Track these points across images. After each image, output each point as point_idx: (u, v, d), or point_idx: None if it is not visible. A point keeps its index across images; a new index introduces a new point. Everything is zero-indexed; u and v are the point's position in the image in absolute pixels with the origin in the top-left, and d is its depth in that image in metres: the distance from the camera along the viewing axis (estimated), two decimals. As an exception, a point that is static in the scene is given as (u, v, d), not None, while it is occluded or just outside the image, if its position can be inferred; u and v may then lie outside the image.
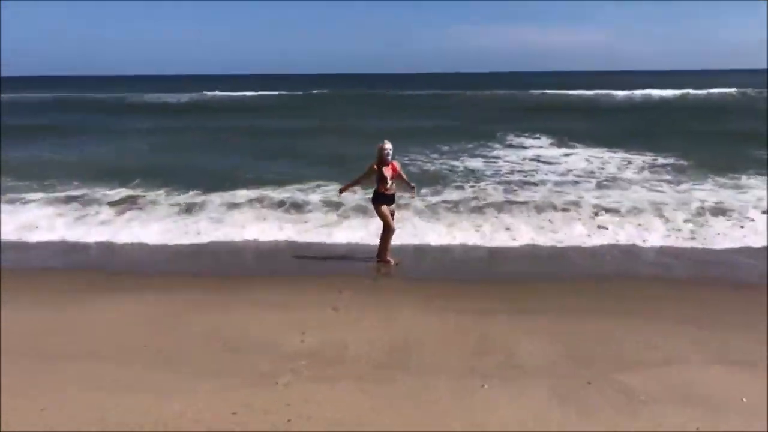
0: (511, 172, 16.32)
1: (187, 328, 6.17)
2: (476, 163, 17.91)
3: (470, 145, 21.74)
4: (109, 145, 22.99)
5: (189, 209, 11.91)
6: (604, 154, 19.16)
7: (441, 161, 18.36)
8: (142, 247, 9.90)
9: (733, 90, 51.76)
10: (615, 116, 33.95)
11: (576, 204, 11.94)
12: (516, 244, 9.65)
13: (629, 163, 17.34)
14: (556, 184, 14.37)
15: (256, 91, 64.88)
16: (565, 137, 23.18)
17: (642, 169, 16.41)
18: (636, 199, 12.32)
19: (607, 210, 11.43)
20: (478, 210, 11.56)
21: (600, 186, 14.12)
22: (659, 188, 13.67)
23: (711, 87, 54.34)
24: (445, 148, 21.08)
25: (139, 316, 6.58)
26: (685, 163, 16.79)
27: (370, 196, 8.83)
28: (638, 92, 52.90)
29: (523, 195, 13.00)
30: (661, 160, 17.47)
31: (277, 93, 62.34)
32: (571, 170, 16.39)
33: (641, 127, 27.79)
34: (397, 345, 5.65)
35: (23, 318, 6.52)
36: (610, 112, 36.75)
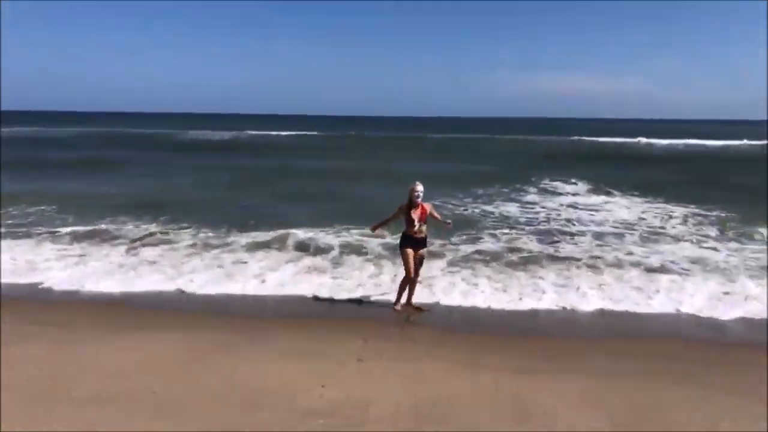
0: (547, 220, 15.73)
1: (202, 375, 5.79)
2: (511, 208, 17.40)
3: (505, 189, 21.33)
4: (152, 180, 23.47)
5: (208, 247, 11.83)
6: (644, 204, 18.45)
7: (474, 205, 17.94)
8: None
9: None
10: (654, 165, 33.18)
11: (619, 261, 11.09)
12: (556, 305, 8.66)
13: (671, 215, 16.52)
14: (597, 235, 13.60)
15: (296, 130, 66.62)
16: (602, 184, 22.67)
17: (685, 221, 15.59)
18: (687, 256, 11.48)
19: (655, 268, 10.52)
20: (515, 265, 10.73)
21: (644, 239, 13.22)
22: (706, 243, 12.79)
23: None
24: (479, 191, 20.75)
25: (154, 357, 6.24)
26: (729, 214, 15.98)
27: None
28: (678, 141, 52.00)
29: (563, 248, 12.15)
30: (703, 212, 16.66)
31: (316, 133, 63.77)
32: (610, 219, 15.70)
33: (681, 177, 26.92)
34: (426, 406, 5.13)
35: (33, 354, 6.25)
36: (650, 161, 35.98)
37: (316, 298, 8.91)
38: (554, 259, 11.17)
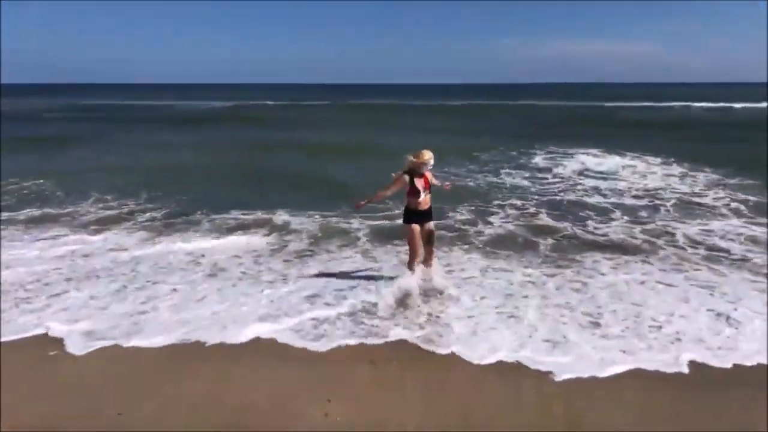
0: (563, 191, 14.41)
1: (179, 388, 4.81)
2: (521, 180, 16.04)
3: (513, 153, 20.18)
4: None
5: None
6: (661, 166, 17.43)
7: (481, 174, 16.73)
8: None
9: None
10: (663, 128, 31.90)
11: (675, 243, 9.39)
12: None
13: (693, 178, 15.35)
14: (626, 210, 12.01)
15: (286, 100, 64.72)
16: (612, 147, 21.67)
17: (710, 186, 14.37)
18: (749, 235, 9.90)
19: (719, 254, 8.76)
20: (554, 259, 8.68)
21: (684, 212, 11.71)
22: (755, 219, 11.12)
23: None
24: (485, 156, 19.71)
25: (121, 366, 5.18)
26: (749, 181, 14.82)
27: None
28: (677, 104, 50.73)
29: (599, 229, 10.33)
30: (722, 176, 15.58)
31: (310, 104, 61.70)
32: (632, 188, 14.43)
33: (690, 138, 25.86)
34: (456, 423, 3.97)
35: None
36: (659, 125, 34.60)
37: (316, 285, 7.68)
38: (601, 246, 9.30)
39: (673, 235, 9.91)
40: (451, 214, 11.44)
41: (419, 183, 6.96)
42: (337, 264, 8.45)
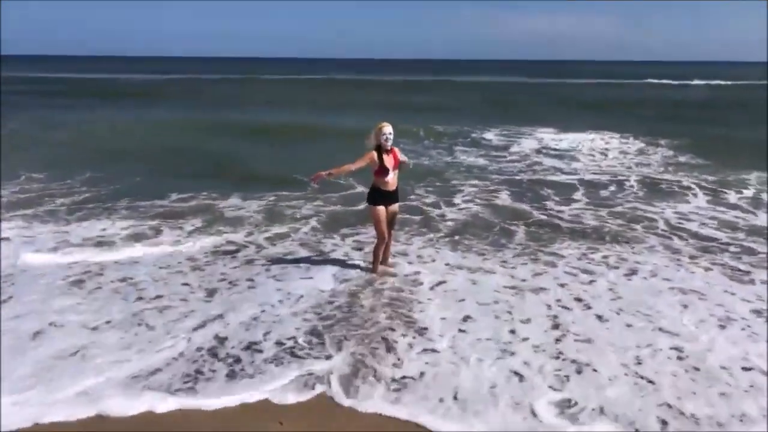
0: (522, 170, 13.67)
1: None
2: (477, 159, 15.24)
3: (467, 129, 19.24)
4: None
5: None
6: (618, 140, 17.25)
7: (436, 152, 15.89)
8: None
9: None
10: (620, 105, 31.58)
11: (655, 230, 8.60)
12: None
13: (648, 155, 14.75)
14: (590, 189, 11.37)
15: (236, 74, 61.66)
16: (566, 124, 21.12)
17: (665, 165, 13.93)
18: (717, 217, 9.35)
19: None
20: (526, 246, 7.85)
21: (649, 193, 11.11)
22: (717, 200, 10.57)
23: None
24: (439, 132, 18.94)
25: None
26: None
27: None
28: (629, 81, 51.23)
29: (562, 213, 9.57)
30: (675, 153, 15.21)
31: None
32: (591, 166, 13.74)
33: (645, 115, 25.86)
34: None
35: None
36: (611, 101, 34.26)
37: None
38: (579, 234, 8.44)
39: (651, 220, 9.17)
40: (412, 196, 10.53)
41: (388, 161, 6.40)
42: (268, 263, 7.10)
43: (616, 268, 6.95)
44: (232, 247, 7.69)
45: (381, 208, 6.50)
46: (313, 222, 8.85)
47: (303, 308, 5.72)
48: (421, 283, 6.43)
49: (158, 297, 6.00)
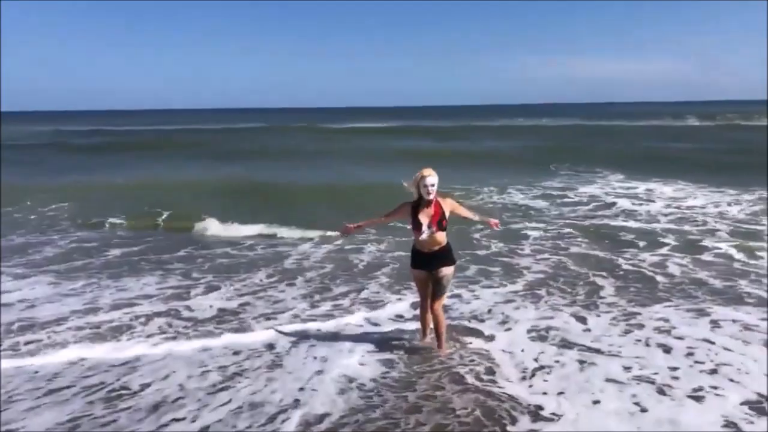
0: (590, 216, 12.52)
1: None
2: (539, 201, 14.21)
3: (529, 178, 17.97)
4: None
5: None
6: (697, 190, 15.24)
7: (489, 193, 14.96)
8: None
9: None
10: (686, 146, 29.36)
11: None
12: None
13: (736, 201, 13.23)
14: (679, 237, 10.10)
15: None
16: (632, 171, 19.34)
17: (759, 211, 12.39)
18: None
19: None
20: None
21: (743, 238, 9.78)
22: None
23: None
24: (503, 179, 17.56)
25: None
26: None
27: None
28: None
29: (652, 265, 8.37)
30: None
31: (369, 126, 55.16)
32: (669, 213, 12.43)
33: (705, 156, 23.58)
34: None
35: None
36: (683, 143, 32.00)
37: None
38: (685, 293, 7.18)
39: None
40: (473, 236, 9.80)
41: (424, 215, 5.19)
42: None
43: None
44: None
45: (417, 272, 5.42)
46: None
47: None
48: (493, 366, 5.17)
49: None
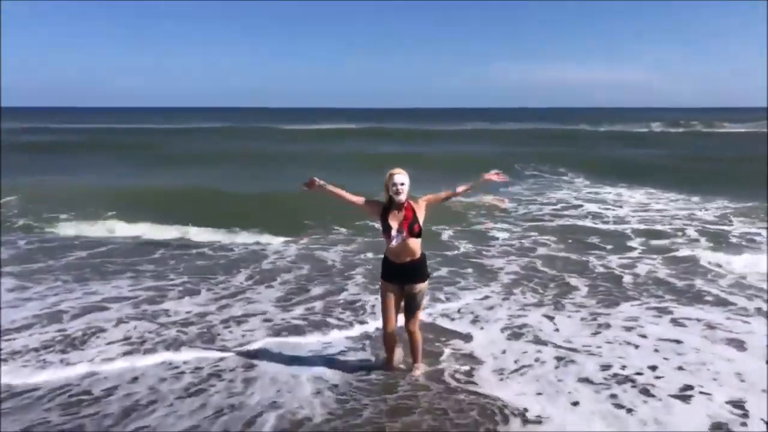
0: (557, 216, 12.75)
1: None
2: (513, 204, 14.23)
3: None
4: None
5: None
6: (655, 195, 15.53)
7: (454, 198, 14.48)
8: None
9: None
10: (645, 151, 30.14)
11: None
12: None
13: (704, 208, 13.54)
14: (645, 237, 10.40)
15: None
16: (597, 173, 19.83)
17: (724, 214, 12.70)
18: None
19: None
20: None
21: (712, 242, 10.04)
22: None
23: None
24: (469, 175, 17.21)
25: None
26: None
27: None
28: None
29: (622, 266, 8.54)
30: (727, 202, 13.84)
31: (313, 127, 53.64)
32: (635, 217, 12.64)
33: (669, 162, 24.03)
34: None
35: None
36: (645, 147, 32.83)
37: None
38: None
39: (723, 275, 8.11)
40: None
41: (394, 219, 4.62)
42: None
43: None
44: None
45: (387, 285, 4.77)
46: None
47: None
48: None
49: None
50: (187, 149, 30.18)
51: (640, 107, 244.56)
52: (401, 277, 4.70)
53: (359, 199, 4.78)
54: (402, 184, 4.56)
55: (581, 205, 14.00)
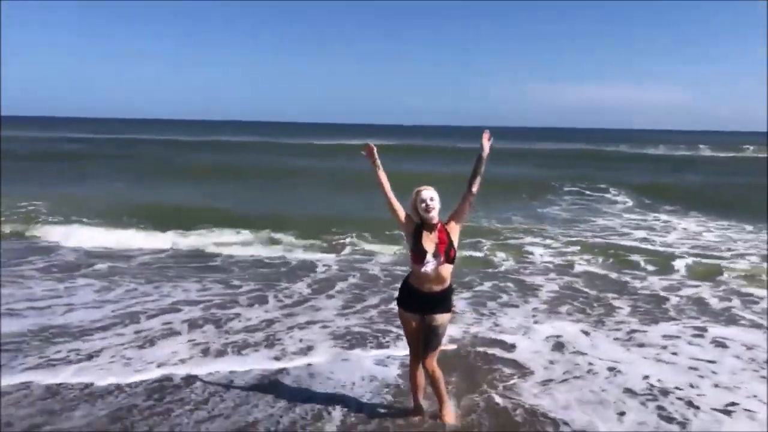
0: (600, 235, 12.66)
1: None
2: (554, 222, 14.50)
3: (535, 202, 18.10)
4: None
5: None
6: (712, 222, 14.80)
7: (493, 218, 14.24)
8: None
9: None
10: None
11: None
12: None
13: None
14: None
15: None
16: (643, 198, 19.33)
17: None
18: None
19: None
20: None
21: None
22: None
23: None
24: (499, 205, 16.25)
25: None
26: None
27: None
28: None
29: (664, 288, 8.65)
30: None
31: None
32: (683, 245, 12.12)
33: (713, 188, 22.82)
34: None
35: None
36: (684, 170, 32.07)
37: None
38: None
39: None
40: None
41: (429, 241, 4.12)
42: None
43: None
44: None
45: (408, 316, 4.30)
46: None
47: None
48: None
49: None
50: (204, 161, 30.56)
51: (681, 129, 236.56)
52: (425, 306, 4.21)
53: (401, 209, 4.24)
54: (432, 199, 4.12)
55: (628, 233, 13.38)
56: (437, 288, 4.15)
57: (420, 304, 4.21)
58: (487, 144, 4.27)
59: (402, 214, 4.22)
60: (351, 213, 14.55)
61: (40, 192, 16.76)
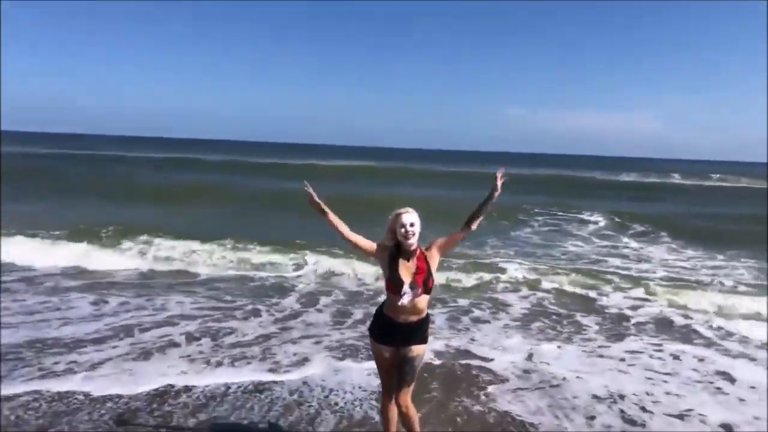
0: (574, 260, 13.40)
1: None
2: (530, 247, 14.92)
3: (506, 222, 18.55)
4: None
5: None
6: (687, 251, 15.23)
7: (470, 247, 13.95)
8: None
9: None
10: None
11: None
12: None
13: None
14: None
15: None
16: (616, 219, 20.23)
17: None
18: None
19: None
20: None
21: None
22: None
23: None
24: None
25: None
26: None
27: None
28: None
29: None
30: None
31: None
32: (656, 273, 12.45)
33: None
34: None
35: None
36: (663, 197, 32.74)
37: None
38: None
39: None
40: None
41: (405, 270, 3.83)
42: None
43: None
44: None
45: (382, 348, 3.99)
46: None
47: None
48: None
49: None
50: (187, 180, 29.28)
51: (655, 157, 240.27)
52: (400, 338, 3.92)
53: (366, 242, 3.91)
54: (412, 224, 3.80)
55: (598, 259, 13.73)
56: (414, 318, 3.88)
57: (395, 335, 3.91)
58: (499, 183, 3.99)
59: (370, 246, 3.91)
60: (326, 231, 14.68)
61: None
